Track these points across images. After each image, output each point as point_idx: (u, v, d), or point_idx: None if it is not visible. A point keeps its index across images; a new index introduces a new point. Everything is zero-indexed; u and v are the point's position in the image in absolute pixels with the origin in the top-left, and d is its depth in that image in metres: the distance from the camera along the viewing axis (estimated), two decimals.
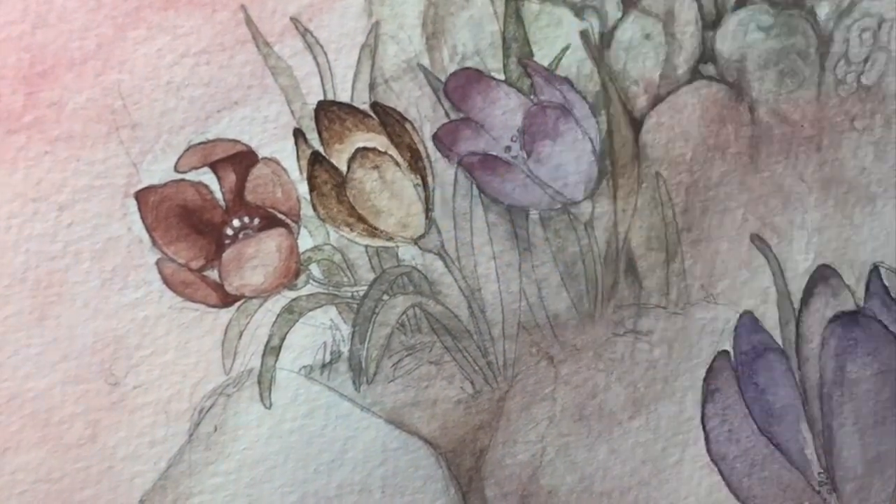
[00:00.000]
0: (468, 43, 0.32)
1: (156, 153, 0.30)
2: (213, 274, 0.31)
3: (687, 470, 0.37)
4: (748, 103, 0.36)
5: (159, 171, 0.30)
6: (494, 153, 0.33)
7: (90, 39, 0.29)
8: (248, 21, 0.30)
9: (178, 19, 0.29)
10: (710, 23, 0.35)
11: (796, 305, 0.38)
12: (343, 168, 0.31)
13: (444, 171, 0.33)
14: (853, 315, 0.38)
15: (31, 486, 0.29)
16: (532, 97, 0.33)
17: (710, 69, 0.35)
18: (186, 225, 0.30)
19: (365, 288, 0.32)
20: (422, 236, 0.33)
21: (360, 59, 0.31)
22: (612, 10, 0.34)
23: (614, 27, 0.34)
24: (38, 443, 0.29)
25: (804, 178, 0.37)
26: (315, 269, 0.32)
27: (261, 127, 0.31)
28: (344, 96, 0.31)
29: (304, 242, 0.32)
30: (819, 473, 0.38)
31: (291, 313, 0.32)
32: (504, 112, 0.33)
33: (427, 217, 0.33)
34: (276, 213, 0.31)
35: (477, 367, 0.34)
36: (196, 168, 0.30)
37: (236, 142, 0.30)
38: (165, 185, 0.30)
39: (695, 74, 0.35)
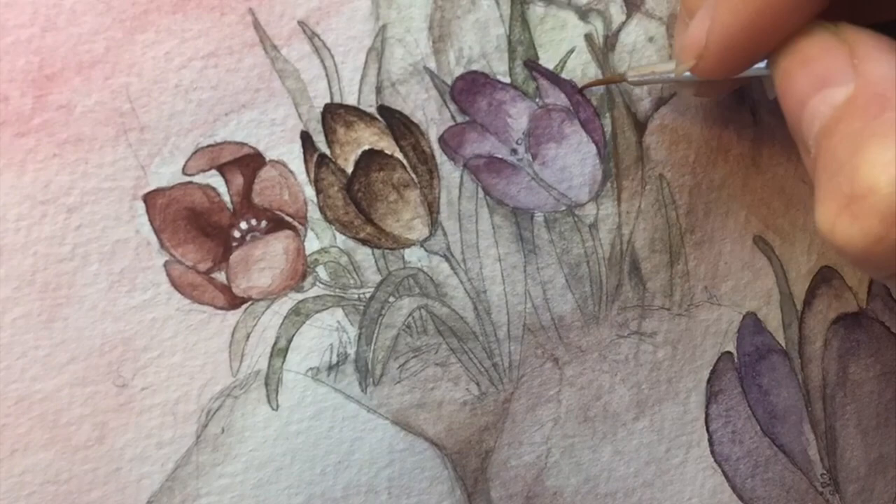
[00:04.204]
0: (474, 46, 0.33)
1: (164, 156, 0.30)
2: (220, 276, 0.31)
3: (691, 471, 0.37)
4: (750, 105, 0.36)
5: (167, 173, 0.30)
6: (500, 156, 0.33)
7: (99, 43, 0.29)
8: (256, 24, 0.30)
9: (187, 23, 0.29)
10: None
11: (799, 307, 0.38)
12: (349, 170, 0.32)
13: (449, 173, 0.33)
14: (856, 316, 0.39)
15: (38, 487, 0.29)
16: (537, 100, 0.33)
17: None
18: (194, 227, 0.30)
19: (371, 290, 0.32)
20: (428, 238, 0.33)
21: (366, 62, 0.31)
22: (617, 14, 0.34)
23: (618, 30, 0.34)
24: (46, 444, 0.29)
25: (806, 179, 0.37)
26: (322, 272, 0.32)
27: (268, 130, 0.31)
28: (351, 99, 0.31)
29: (311, 245, 0.32)
30: (822, 474, 0.38)
31: (298, 315, 0.32)
32: (510, 115, 0.33)
33: (433, 219, 0.33)
34: (283, 215, 0.31)
35: (482, 369, 0.34)
36: (204, 171, 0.30)
37: (244, 144, 0.31)
38: (173, 187, 0.30)
39: None
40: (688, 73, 0.30)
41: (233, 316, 0.31)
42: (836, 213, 0.23)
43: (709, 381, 0.37)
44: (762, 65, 0.29)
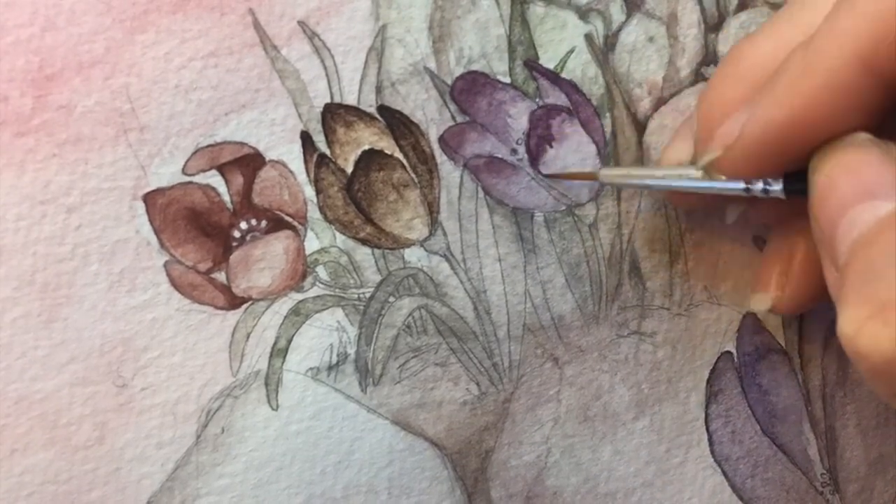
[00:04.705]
0: (474, 46, 0.33)
1: (164, 156, 0.30)
2: (220, 276, 0.31)
3: (690, 471, 0.37)
4: None
5: (167, 173, 0.30)
6: (500, 156, 0.33)
7: (99, 43, 0.29)
8: (256, 24, 0.30)
9: (187, 23, 0.29)
10: (713, 25, 0.35)
11: None
12: (349, 170, 0.32)
13: (449, 173, 0.33)
14: None
15: (38, 487, 0.29)
16: (537, 100, 0.33)
17: (712, 71, 0.35)
18: (194, 227, 0.30)
19: (371, 290, 0.32)
20: (427, 238, 0.33)
21: (366, 62, 0.31)
22: (617, 13, 0.34)
23: (618, 30, 0.34)
24: (46, 444, 0.29)
25: None
26: (322, 272, 0.32)
27: (268, 130, 0.31)
28: (351, 99, 0.31)
29: (311, 245, 0.32)
30: (822, 474, 0.38)
31: (298, 315, 0.32)
32: (510, 115, 0.33)
33: (433, 219, 0.33)
34: (283, 215, 0.31)
35: (482, 369, 0.34)
36: (204, 171, 0.30)
37: (244, 144, 0.31)
38: (173, 187, 0.30)
39: (697, 76, 0.35)
40: (676, 181, 0.31)
41: (233, 316, 0.31)
42: (865, 317, 0.23)
43: (708, 380, 0.37)
44: (739, 185, 0.30)
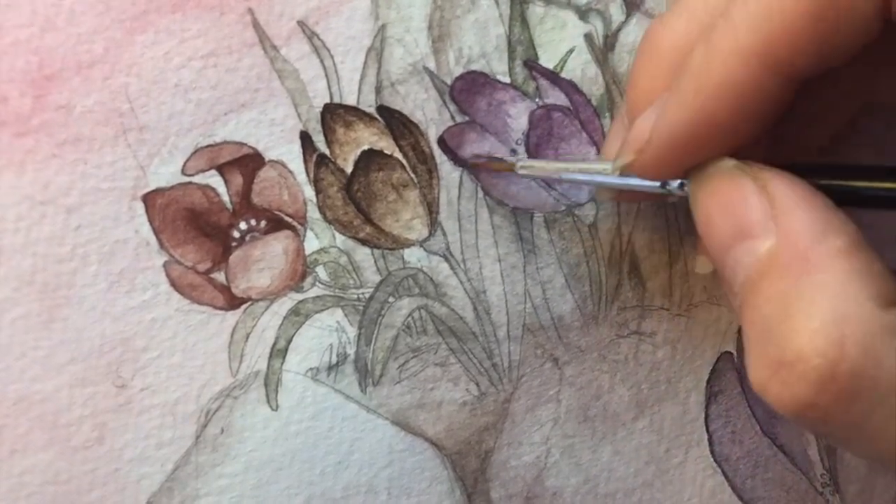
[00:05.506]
0: (474, 46, 0.33)
1: (163, 156, 0.30)
2: (219, 276, 0.31)
3: (690, 471, 0.37)
4: None
5: (167, 173, 0.30)
6: (500, 156, 0.33)
7: (98, 43, 0.29)
8: (256, 24, 0.30)
9: (186, 22, 0.29)
10: None
11: None
12: (349, 170, 0.32)
13: (449, 173, 0.33)
14: None
15: (38, 487, 0.29)
16: (537, 100, 0.33)
17: None
18: (193, 227, 0.30)
19: (371, 290, 0.32)
20: (427, 238, 0.33)
21: (366, 62, 0.31)
22: (616, 13, 0.34)
23: (618, 30, 0.34)
24: (46, 445, 0.29)
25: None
26: (321, 272, 0.32)
27: (267, 130, 0.31)
28: (350, 99, 0.31)
29: (311, 245, 0.32)
30: (822, 475, 0.38)
31: (298, 315, 0.32)
32: (509, 115, 0.33)
33: (432, 219, 0.33)
34: (282, 215, 0.31)
35: (482, 369, 0.34)
36: (203, 171, 0.30)
37: (243, 144, 0.31)
38: (173, 187, 0.30)
39: None
40: (593, 176, 0.30)
41: (232, 316, 0.31)
42: (767, 377, 0.23)
43: (708, 380, 0.37)
44: (655, 184, 0.28)
